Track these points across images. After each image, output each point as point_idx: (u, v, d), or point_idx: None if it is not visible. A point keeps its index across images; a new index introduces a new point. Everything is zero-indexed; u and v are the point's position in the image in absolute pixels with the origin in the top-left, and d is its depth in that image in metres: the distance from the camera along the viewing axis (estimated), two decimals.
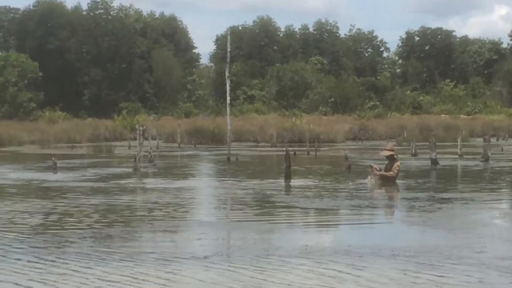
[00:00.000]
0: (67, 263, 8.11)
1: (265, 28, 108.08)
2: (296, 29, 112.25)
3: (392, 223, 12.36)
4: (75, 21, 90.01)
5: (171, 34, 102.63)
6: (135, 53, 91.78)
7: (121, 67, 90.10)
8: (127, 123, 54.80)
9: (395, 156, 18.20)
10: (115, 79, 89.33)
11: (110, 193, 15.99)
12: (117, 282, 7.26)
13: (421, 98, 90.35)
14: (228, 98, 30.40)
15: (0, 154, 35.37)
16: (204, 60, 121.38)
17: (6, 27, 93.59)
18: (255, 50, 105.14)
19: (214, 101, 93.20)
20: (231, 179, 20.25)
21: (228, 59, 30.84)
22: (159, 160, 28.99)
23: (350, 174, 20.98)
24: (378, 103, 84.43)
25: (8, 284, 7.19)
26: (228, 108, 30.83)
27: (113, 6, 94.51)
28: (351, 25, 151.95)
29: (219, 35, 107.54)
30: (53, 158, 23.52)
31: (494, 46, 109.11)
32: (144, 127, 28.66)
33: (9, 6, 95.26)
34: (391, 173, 17.81)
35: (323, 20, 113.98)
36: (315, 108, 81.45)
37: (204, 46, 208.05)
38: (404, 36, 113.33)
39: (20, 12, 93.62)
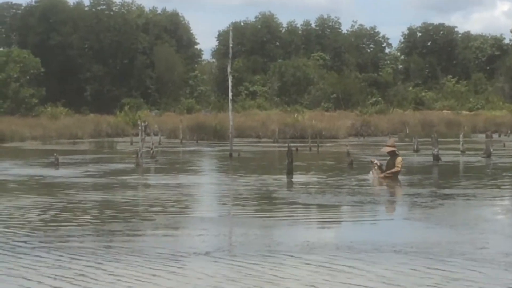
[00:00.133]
0: (75, 258, 8.11)
1: (267, 24, 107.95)
2: (298, 25, 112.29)
3: (394, 219, 12.35)
4: (77, 17, 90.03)
5: (173, 30, 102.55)
6: (137, 49, 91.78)
7: (123, 63, 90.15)
8: (129, 119, 54.83)
9: (397, 152, 18.16)
10: (117, 75, 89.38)
11: (112, 189, 16.00)
12: (127, 276, 7.26)
13: (423, 94, 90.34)
14: (230, 94, 30.35)
15: (2, 150, 35.40)
16: (206, 56, 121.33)
17: (8, 23, 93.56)
18: (257, 46, 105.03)
19: (216, 97, 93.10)
20: (233, 175, 20.25)
21: (230, 55, 30.78)
22: (161, 156, 28.98)
23: (352, 170, 20.97)
24: (380, 99, 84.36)
25: (18, 278, 7.20)
26: (230, 104, 30.78)
27: (115, 1, 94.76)
28: (353, 21, 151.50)
29: (221, 31, 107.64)
30: (55, 154, 23.54)
31: (496, 42, 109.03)
32: (146, 123, 28.63)
33: (11, 2, 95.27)
34: (396, 168, 17.73)
35: (325, 16, 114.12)
36: (317, 104, 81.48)
37: (206, 42, 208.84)
38: (406, 32, 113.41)
39: (22, 7, 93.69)
